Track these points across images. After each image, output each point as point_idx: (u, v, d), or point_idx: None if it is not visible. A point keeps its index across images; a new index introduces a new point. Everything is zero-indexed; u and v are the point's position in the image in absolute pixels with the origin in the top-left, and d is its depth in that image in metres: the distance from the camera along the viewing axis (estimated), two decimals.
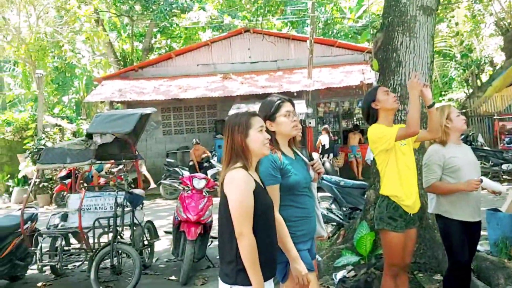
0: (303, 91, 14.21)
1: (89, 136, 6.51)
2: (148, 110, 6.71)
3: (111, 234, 5.75)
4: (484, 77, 19.65)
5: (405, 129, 3.46)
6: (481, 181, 3.61)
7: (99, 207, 6.41)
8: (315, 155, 9.79)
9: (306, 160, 3.18)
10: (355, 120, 15.91)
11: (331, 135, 14.50)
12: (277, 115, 3.03)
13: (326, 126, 14.70)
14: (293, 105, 3.14)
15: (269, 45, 15.13)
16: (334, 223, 7.02)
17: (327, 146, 13.72)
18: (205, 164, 13.78)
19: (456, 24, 17.02)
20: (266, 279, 2.39)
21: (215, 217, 3.01)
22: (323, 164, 11.71)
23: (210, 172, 12.64)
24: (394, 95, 3.70)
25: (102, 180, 12.41)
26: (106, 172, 13.10)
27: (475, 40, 19.83)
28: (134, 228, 6.07)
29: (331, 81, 14.55)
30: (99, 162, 7.82)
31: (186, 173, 12.22)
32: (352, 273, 4.67)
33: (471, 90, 18.29)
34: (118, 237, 5.73)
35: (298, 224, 2.93)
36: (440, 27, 17.57)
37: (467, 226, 3.74)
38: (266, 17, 22.58)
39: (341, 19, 24.22)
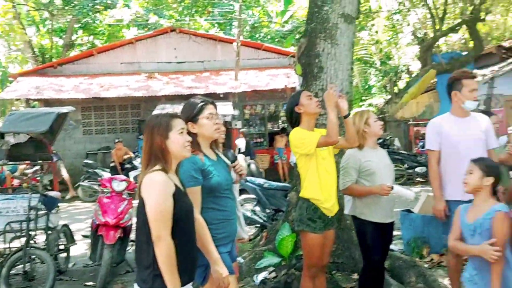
0: (230, 93, 14.25)
1: (1, 135, 6.16)
2: (65, 109, 6.46)
3: (23, 239, 5.45)
4: (402, 84, 20.66)
5: (325, 138, 3.55)
6: (392, 188, 3.79)
7: (11, 210, 6.04)
8: (240, 157, 9.77)
9: (228, 162, 3.18)
10: (280, 123, 16.15)
11: (247, 138, 14.54)
12: (200, 117, 3.01)
13: (243, 129, 14.71)
14: (216, 107, 3.13)
15: (196, 46, 15.03)
16: (258, 225, 7.09)
17: (242, 150, 13.69)
18: (127, 166, 13.42)
19: (376, 32, 17.79)
20: (184, 283, 2.36)
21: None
22: (248, 166, 11.78)
23: (132, 173, 12.33)
24: (317, 100, 3.78)
25: (15, 182, 11.74)
26: (20, 174, 12.42)
27: (393, 49, 20.79)
28: (49, 232, 5.80)
29: (257, 84, 14.70)
30: (12, 162, 7.39)
31: (107, 175, 11.84)
32: (273, 275, 4.72)
33: (389, 96, 19.16)
34: (31, 241, 5.45)
35: (219, 226, 2.92)
36: (361, 35, 18.27)
37: (381, 227, 3.90)
38: (193, 17, 22.44)
39: (268, 23, 24.54)
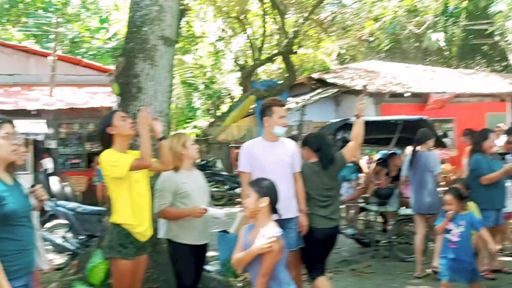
0: (43, 110, 13.19)
1: None
2: None
3: None
4: (224, 108, 21.48)
5: (138, 161, 3.48)
6: (206, 210, 3.85)
7: None
8: (53, 179, 9.05)
9: (27, 186, 2.89)
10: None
11: (57, 159, 13.55)
12: None
13: (51, 149, 13.69)
14: (13, 127, 2.82)
15: (5, 57, 13.66)
16: (69, 253, 6.61)
17: (50, 171, 12.68)
18: None
19: (200, 57, 18.30)
20: None
21: None
22: (62, 189, 10.97)
23: None
24: (131, 121, 3.70)
25: None
26: None
27: (217, 74, 21.56)
28: None
29: (75, 101, 13.88)
30: None
31: None
32: None
33: (212, 119, 19.73)
34: None
35: (12, 258, 2.62)
36: (186, 59, 18.59)
37: (195, 249, 3.93)
38: (4, 26, 20.50)
39: (90, 38, 23.57)
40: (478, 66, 25.88)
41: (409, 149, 6.83)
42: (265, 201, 3.10)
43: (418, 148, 6.16)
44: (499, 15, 20.47)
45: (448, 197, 4.56)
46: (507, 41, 23.93)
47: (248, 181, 4.22)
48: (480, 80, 16.69)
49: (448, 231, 4.55)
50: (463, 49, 25.67)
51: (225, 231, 6.37)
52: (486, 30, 21.33)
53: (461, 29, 24.48)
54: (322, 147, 4.49)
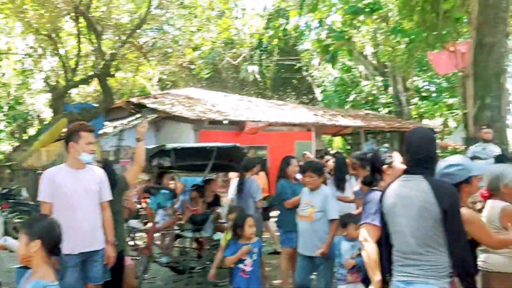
0: None
1: None
2: None
3: None
4: (32, 131, 19.78)
5: None
6: (6, 240, 3.43)
7: None
8: None
9: None
10: None
11: None
12: None
13: None
14: None
15: None
16: None
17: None
18: None
19: (3, 75, 16.64)
20: None
21: None
22: None
23: None
24: None
25: None
26: None
27: (25, 94, 19.83)
28: None
29: None
30: None
31: None
32: None
33: (18, 143, 18.01)
34: None
35: None
36: None
37: None
38: None
39: None
40: (288, 98, 28.22)
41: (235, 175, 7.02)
42: (36, 245, 2.64)
43: (244, 174, 6.39)
44: (306, 52, 22.71)
45: (250, 222, 4.62)
46: (312, 76, 26.65)
47: (49, 211, 3.87)
48: (290, 111, 18.06)
49: (242, 261, 4.55)
50: (275, 81, 27.80)
51: (25, 267, 5.76)
52: (295, 65, 23.38)
53: (274, 64, 26.49)
54: (105, 171, 4.36)
